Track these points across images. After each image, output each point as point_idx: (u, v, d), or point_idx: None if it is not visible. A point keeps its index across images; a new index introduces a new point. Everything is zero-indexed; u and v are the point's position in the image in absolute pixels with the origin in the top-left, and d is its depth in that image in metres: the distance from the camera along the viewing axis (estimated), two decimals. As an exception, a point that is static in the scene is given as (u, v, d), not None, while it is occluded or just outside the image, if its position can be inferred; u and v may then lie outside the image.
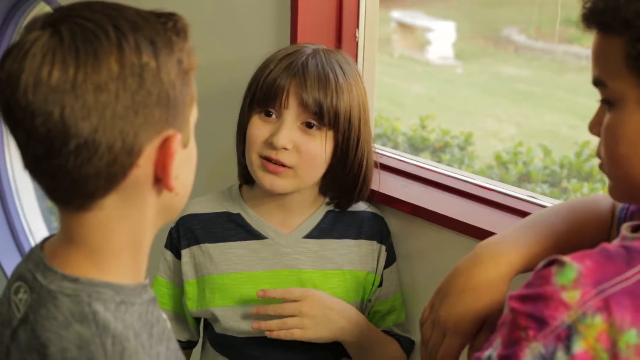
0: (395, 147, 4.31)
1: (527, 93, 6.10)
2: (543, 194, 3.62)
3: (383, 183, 1.70)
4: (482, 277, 1.16)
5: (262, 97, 1.48)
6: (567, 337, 0.88)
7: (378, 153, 1.82)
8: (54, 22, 0.90)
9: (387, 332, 1.62)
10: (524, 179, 3.68)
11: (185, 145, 0.97)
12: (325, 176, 1.53)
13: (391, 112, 5.46)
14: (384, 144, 4.28)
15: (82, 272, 0.95)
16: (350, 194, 1.57)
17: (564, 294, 0.89)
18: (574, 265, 0.91)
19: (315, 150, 1.47)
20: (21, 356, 0.96)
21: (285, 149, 1.46)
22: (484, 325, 1.17)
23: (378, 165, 1.64)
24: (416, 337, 1.65)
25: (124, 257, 0.97)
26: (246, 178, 1.58)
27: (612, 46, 0.98)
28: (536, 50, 6.62)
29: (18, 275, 1.00)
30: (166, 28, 0.93)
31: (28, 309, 0.95)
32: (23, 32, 0.91)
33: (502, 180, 3.77)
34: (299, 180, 1.50)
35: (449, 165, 4.06)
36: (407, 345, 1.63)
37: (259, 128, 1.49)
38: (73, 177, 0.90)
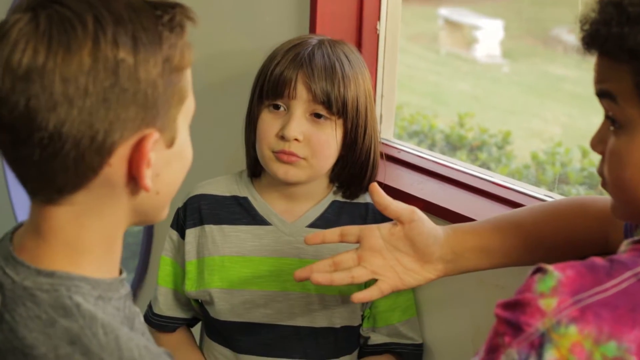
0: (433, 144, 4.27)
1: (574, 94, 6.00)
2: (579, 195, 3.56)
3: (399, 179, 1.69)
4: None
5: (269, 89, 1.49)
6: (539, 344, 0.87)
7: (396, 148, 1.81)
8: (36, 6, 0.87)
9: (386, 345, 1.61)
10: (561, 180, 3.62)
11: (170, 144, 0.94)
12: (335, 165, 1.55)
13: (434, 110, 5.41)
14: (420, 141, 4.23)
15: (56, 266, 0.92)
16: (360, 181, 1.57)
17: (541, 301, 0.88)
18: (555, 274, 0.89)
19: (325, 140, 1.49)
20: (1, 357, 0.92)
21: (297, 140, 1.48)
22: None
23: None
24: (426, 337, 1.62)
25: (97, 252, 0.94)
26: (254, 170, 1.58)
27: (619, 72, 0.93)
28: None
29: None
30: (159, 22, 0.89)
31: (1, 307, 0.92)
32: (9, 12, 0.89)
33: (538, 180, 3.71)
34: (312, 171, 1.51)
35: (484, 164, 4.01)
36: (411, 352, 1.61)
37: (269, 123, 1.50)
38: (40, 169, 0.88)
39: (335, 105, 1.48)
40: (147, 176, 0.91)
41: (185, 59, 0.92)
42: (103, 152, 0.88)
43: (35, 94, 0.85)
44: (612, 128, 0.97)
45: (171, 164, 0.95)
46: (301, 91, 1.48)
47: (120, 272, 0.99)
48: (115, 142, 0.88)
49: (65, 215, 0.92)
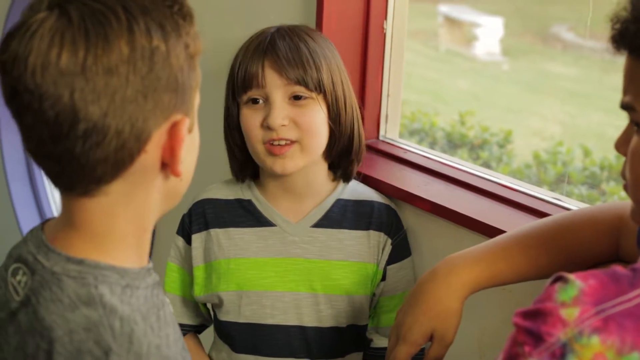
0: (434, 143, 4.25)
1: (573, 92, 5.99)
2: (580, 195, 3.54)
3: (405, 179, 1.67)
4: (433, 293, 1.25)
5: (241, 85, 1.49)
6: (561, 355, 0.85)
7: (402, 148, 1.80)
8: (61, 2, 0.88)
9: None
10: (562, 180, 3.61)
11: (190, 130, 0.97)
12: (328, 145, 1.53)
13: (434, 107, 5.40)
14: (421, 140, 4.22)
15: (86, 254, 0.94)
16: (349, 155, 1.56)
17: (562, 311, 0.86)
18: (577, 283, 0.88)
19: (313, 117, 1.49)
20: (22, 339, 0.94)
21: (283, 125, 1.47)
22: (433, 338, 1.26)
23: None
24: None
25: (128, 241, 0.96)
26: (243, 174, 1.59)
27: None
28: (585, 48, 6.50)
29: (16, 256, 0.98)
30: (172, 12, 0.92)
31: (29, 291, 0.94)
32: (27, 13, 0.90)
33: (540, 180, 3.70)
34: (307, 154, 1.50)
35: (486, 162, 3.99)
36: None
37: (251, 116, 1.50)
38: (80, 162, 0.90)
39: (312, 82, 1.47)
40: (181, 161, 0.94)
41: (197, 46, 0.95)
42: (141, 139, 0.91)
43: (79, 87, 0.87)
44: (635, 128, 0.95)
45: (190, 150, 0.98)
46: (272, 78, 1.47)
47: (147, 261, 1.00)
48: (152, 129, 0.91)
49: (100, 206, 0.94)
